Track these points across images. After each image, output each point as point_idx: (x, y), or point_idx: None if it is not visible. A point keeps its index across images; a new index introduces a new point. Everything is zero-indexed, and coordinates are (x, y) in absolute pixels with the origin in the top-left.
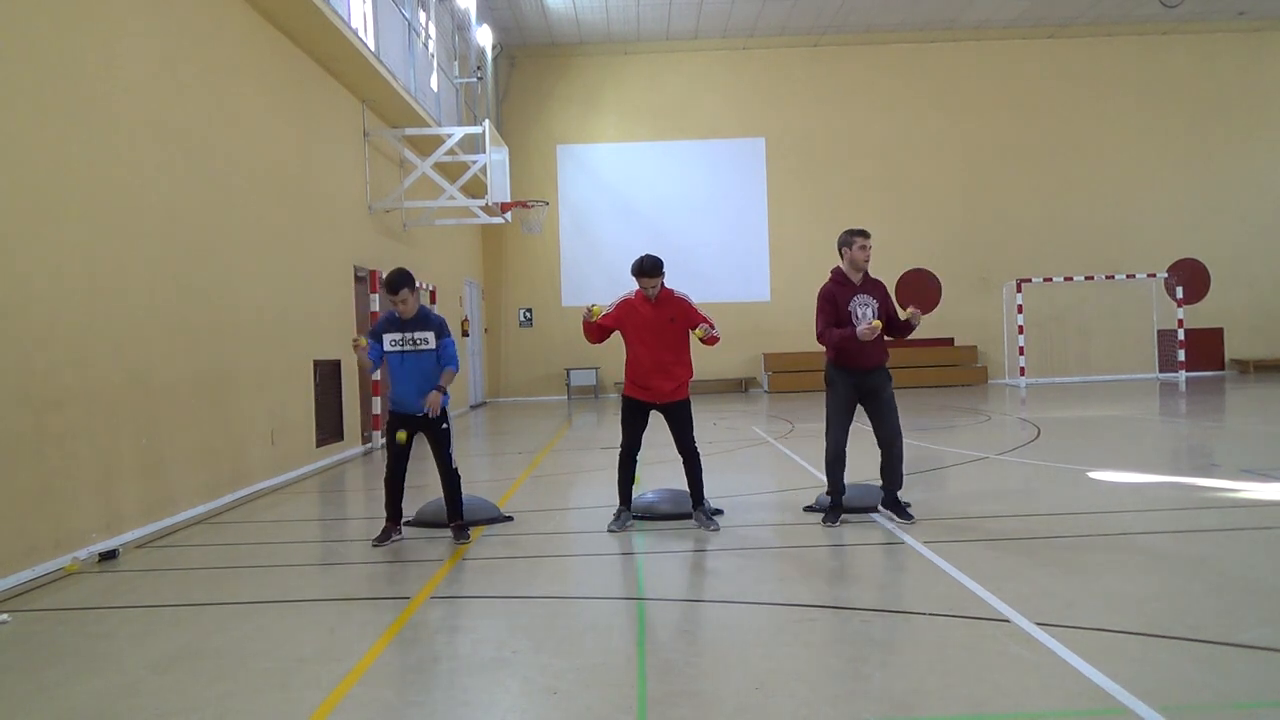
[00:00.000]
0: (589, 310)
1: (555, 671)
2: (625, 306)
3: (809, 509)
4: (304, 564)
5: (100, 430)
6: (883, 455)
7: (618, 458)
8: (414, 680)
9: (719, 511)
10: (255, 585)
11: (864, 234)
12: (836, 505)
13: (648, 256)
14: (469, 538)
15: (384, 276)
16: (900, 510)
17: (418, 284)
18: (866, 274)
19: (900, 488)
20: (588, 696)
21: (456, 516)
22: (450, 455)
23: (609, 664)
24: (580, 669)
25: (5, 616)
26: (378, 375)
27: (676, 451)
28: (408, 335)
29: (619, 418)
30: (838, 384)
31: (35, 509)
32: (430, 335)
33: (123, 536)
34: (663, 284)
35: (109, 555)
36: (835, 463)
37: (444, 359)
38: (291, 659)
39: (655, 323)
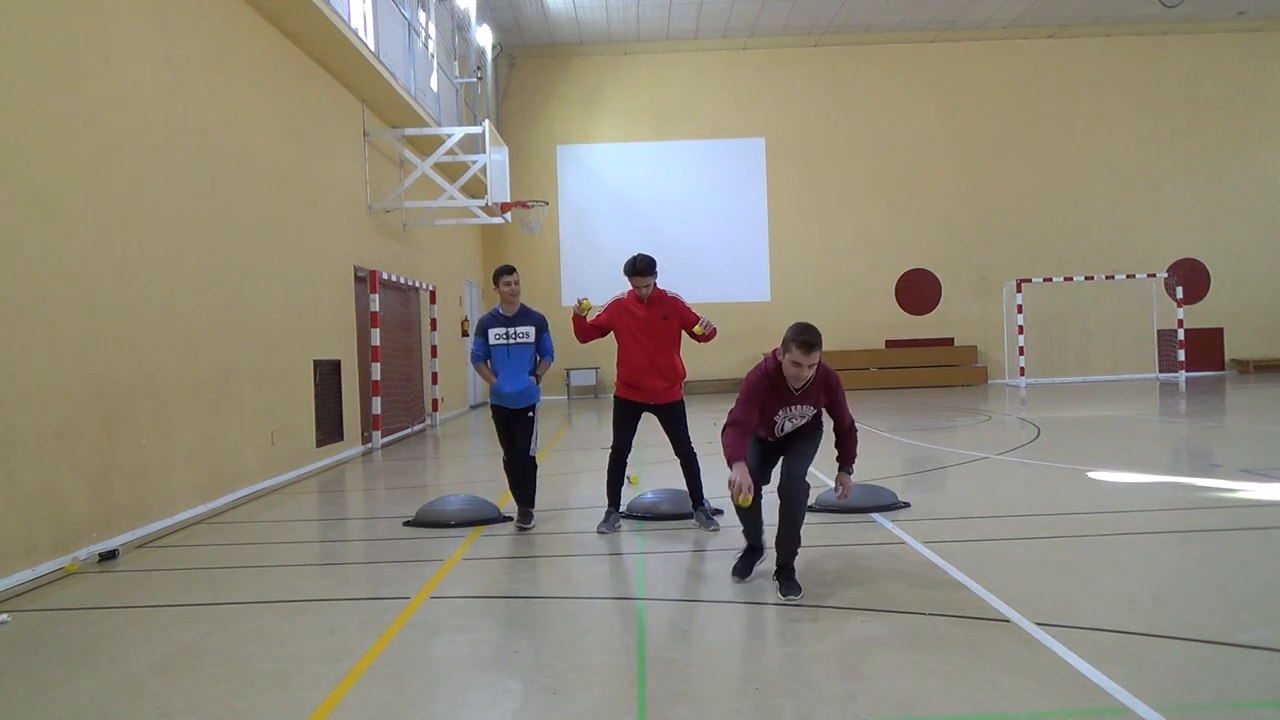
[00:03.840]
0: (579, 304)
1: (555, 671)
2: (617, 306)
3: (809, 509)
4: (304, 564)
5: (100, 430)
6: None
7: (608, 459)
8: (414, 680)
9: (719, 512)
10: (255, 585)
11: (808, 347)
12: (751, 550)
13: (641, 256)
14: (531, 522)
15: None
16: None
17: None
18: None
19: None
20: (588, 696)
21: (528, 502)
22: (530, 444)
23: (609, 664)
24: (580, 669)
25: (5, 616)
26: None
27: (674, 453)
28: (510, 330)
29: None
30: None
31: (35, 509)
32: (531, 329)
33: (123, 536)
34: (655, 284)
35: (109, 555)
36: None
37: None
38: (291, 659)
39: (649, 322)
